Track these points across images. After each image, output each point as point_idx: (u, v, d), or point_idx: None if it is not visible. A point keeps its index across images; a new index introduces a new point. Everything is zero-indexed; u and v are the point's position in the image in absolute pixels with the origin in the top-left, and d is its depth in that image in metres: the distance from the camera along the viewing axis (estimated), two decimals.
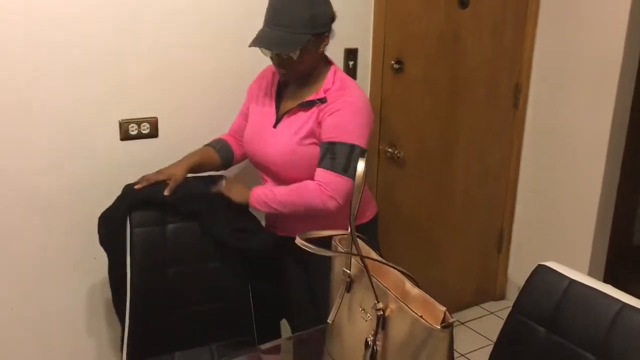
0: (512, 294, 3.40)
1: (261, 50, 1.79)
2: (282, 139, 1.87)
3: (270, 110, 1.94)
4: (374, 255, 1.34)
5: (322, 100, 1.82)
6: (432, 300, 1.19)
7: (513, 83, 3.08)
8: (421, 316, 1.15)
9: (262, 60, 1.94)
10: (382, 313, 1.22)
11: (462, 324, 3.18)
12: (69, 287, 2.15)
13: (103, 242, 1.92)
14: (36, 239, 2.05)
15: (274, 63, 1.84)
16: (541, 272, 1.45)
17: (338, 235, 1.39)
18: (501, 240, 3.33)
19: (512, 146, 3.17)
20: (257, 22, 1.81)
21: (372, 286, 1.25)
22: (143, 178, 1.92)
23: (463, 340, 2.99)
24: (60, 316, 2.16)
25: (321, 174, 1.77)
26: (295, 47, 1.73)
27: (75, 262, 2.14)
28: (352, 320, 1.37)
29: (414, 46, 2.68)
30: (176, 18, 2.12)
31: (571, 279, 1.39)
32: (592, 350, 1.30)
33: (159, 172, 1.94)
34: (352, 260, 1.37)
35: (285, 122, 1.88)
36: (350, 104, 1.79)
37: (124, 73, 2.07)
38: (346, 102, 1.79)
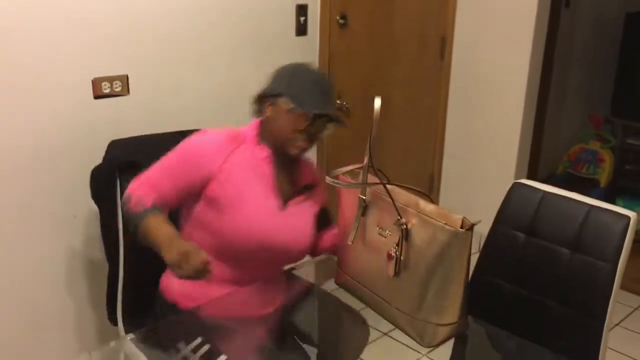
0: None
1: (303, 118, 1.66)
2: (308, 226, 1.78)
3: (270, 195, 1.72)
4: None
5: (314, 185, 1.84)
6: (447, 212, 1.40)
7: (440, 35, 3.35)
8: (445, 224, 1.36)
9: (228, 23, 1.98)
10: (405, 227, 1.42)
11: None
12: (49, 245, 2.17)
13: (94, 196, 1.96)
14: (15, 197, 2.05)
15: (305, 138, 1.68)
16: (517, 188, 1.71)
17: (356, 168, 1.57)
18: (432, 184, 3.64)
19: (439, 93, 3.46)
20: None
21: (395, 205, 1.45)
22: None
23: None
24: (40, 272, 2.18)
25: None
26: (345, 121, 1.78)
27: (55, 220, 2.16)
28: (368, 241, 1.56)
29: (356, 2, 2.86)
30: None
31: (544, 191, 1.65)
32: (566, 246, 1.58)
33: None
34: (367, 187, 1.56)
35: (295, 207, 1.76)
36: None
37: (95, 30, 2.08)
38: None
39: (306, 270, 2.04)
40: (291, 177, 1.78)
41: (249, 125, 1.76)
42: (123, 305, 1.99)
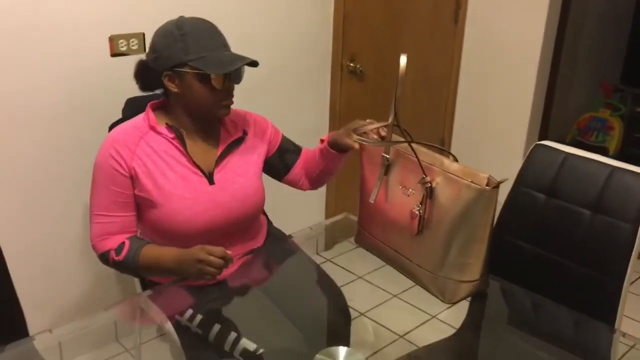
0: None
1: (221, 79, 1.56)
2: (248, 186, 1.72)
3: (191, 174, 1.65)
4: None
5: (245, 134, 1.76)
6: (472, 170, 1.41)
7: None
8: (471, 181, 1.37)
9: None
10: (429, 185, 1.43)
11: None
12: (68, 202, 2.19)
13: None
14: (35, 156, 2.06)
15: (227, 94, 1.62)
16: (539, 149, 1.71)
17: (381, 125, 1.57)
18: (442, 147, 3.64)
19: (452, 58, 3.44)
20: None
21: (420, 164, 1.45)
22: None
23: None
24: (58, 232, 2.21)
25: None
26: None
27: (74, 178, 2.17)
28: (391, 199, 1.57)
29: None
30: None
31: (567, 152, 1.66)
32: (587, 207, 1.59)
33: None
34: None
35: (221, 175, 1.68)
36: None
37: None
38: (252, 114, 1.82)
39: (315, 231, 2.05)
40: (215, 140, 1.70)
41: (144, 112, 1.67)
42: None
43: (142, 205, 1.64)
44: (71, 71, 2.06)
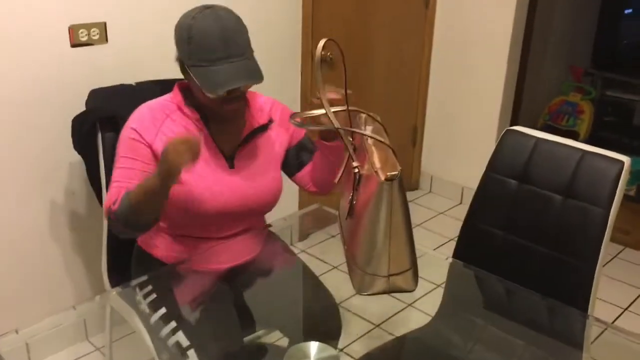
0: (425, 184, 3.75)
1: (214, 93, 1.52)
2: (270, 179, 1.72)
3: (211, 157, 1.65)
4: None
5: (270, 122, 1.74)
6: (396, 163, 1.36)
7: None
8: (376, 171, 1.33)
9: None
10: (357, 171, 1.39)
11: None
12: (33, 198, 2.12)
13: (76, 146, 1.91)
14: None
15: (229, 101, 1.58)
16: (509, 135, 1.69)
17: (337, 111, 1.52)
18: (415, 134, 3.62)
19: (423, 44, 3.41)
20: None
21: (348, 149, 1.42)
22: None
23: None
24: (26, 229, 2.14)
25: None
26: (261, 72, 1.57)
27: (37, 173, 2.10)
28: (347, 184, 1.54)
29: None
30: None
31: (537, 137, 1.64)
32: (559, 192, 1.58)
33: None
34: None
35: (242, 161, 1.68)
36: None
37: None
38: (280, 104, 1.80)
39: (289, 222, 2.02)
40: (238, 125, 1.69)
41: (171, 92, 1.67)
42: (108, 259, 1.96)
43: None
44: (29, 62, 1.98)
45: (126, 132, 1.61)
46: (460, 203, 3.58)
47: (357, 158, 1.48)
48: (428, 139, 3.66)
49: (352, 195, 1.43)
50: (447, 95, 3.47)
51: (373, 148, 1.50)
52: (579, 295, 1.54)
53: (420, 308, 2.39)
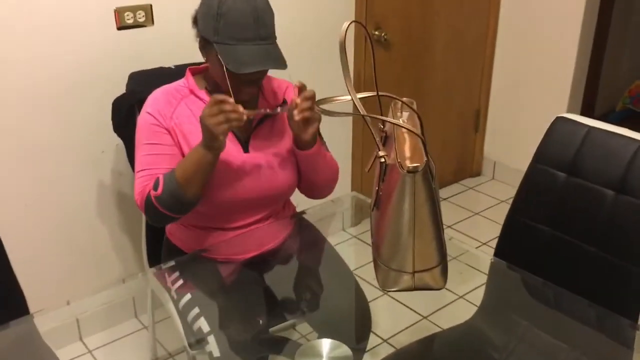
0: (488, 171, 3.59)
1: (232, 73, 1.47)
2: (286, 160, 1.68)
3: (229, 140, 1.59)
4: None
5: (284, 103, 1.70)
6: (419, 150, 1.26)
7: None
8: (399, 161, 1.23)
9: None
10: (383, 161, 1.30)
11: (445, 199, 3.36)
12: (79, 180, 2.17)
13: (116, 128, 1.93)
14: (42, 133, 2.03)
15: (249, 84, 1.55)
16: (559, 123, 1.56)
17: (366, 96, 1.45)
18: (478, 119, 3.46)
19: (488, 25, 3.24)
20: None
21: (373, 137, 1.34)
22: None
23: (447, 214, 3.17)
24: (75, 210, 2.19)
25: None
26: (285, 59, 1.52)
27: (83, 155, 2.14)
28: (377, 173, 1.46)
29: None
30: None
31: (590, 126, 1.50)
32: (611, 187, 1.44)
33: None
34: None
35: (256, 143, 1.65)
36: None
37: None
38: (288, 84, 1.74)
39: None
40: (250, 109, 1.58)
41: (185, 77, 1.65)
42: (147, 242, 1.98)
43: None
44: (76, 46, 2.01)
45: (144, 118, 1.60)
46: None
47: (386, 147, 1.40)
48: (492, 124, 3.49)
49: (378, 186, 1.36)
50: (513, 78, 3.28)
51: (406, 136, 1.41)
52: (630, 301, 1.41)
53: (460, 305, 2.28)
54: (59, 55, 1.98)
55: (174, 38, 2.18)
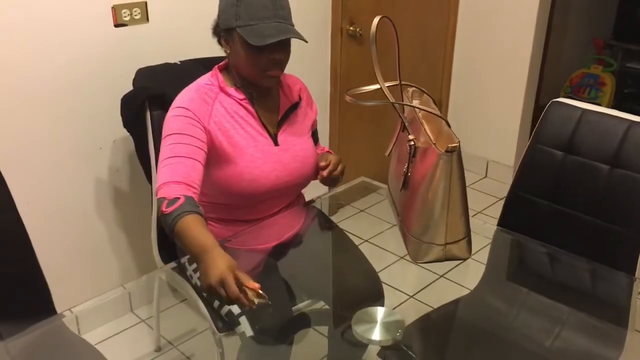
0: None
1: (256, 54, 1.57)
2: (306, 151, 1.77)
3: (260, 135, 1.70)
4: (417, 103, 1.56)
5: (300, 99, 1.82)
6: (452, 135, 1.41)
7: None
8: (435, 143, 1.37)
9: None
10: (413, 144, 1.44)
11: None
12: (77, 177, 2.17)
13: (126, 124, 1.96)
14: (40, 130, 2.03)
15: (273, 65, 1.62)
16: (555, 107, 1.73)
17: (389, 85, 1.57)
18: (440, 108, 3.64)
19: (448, 18, 3.42)
20: None
21: (402, 120, 1.47)
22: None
23: None
24: (72, 207, 2.19)
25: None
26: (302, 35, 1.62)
27: (81, 152, 2.15)
28: (399, 155, 1.59)
29: None
30: None
31: (583, 109, 1.68)
32: (606, 162, 1.62)
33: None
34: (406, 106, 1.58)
35: (283, 137, 1.74)
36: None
37: None
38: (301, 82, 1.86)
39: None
40: (276, 103, 1.75)
41: (211, 74, 1.71)
42: (157, 236, 2.01)
43: (212, 162, 1.64)
44: (74, 43, 2.01)
45: (178, 111, 1.61)
46: (485, 177, 3.61)
47: (412, 131, 1.52)
48: (452, 113, 3.68)
49: (407, 167, 1.48)
50: (472, 70, 3.49)
51: (423, 121, 1.54)
52: (625, 263, 1.59)
53: (453, 279, 2.44)
54: (56, 52, 1.98)
55: (169, 34, 2.22)
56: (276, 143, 1.71)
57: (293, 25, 1.63)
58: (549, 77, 4.02)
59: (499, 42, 3.32)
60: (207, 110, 1.63)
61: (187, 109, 1.61)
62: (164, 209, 1.48)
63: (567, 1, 4.13)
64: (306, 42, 1.62)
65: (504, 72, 3.35)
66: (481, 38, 3.38)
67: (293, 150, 1.74)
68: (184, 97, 1.65)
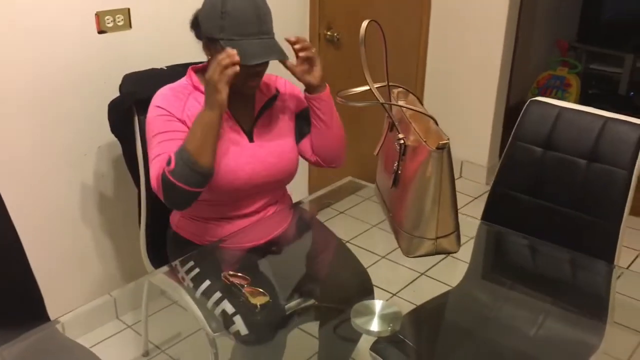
0: None
1: (249, 63, 1.58)
2: (286, 148, 1.82)
3: (233, 133, 1.74)
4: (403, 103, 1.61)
5: (277, 94, 1.84)
6: (437, 132, 1.47)
7: None
8: (425, 141, 1.43)
9: None
10: (402, 142, 1.50)
11: None
12: (62, 184, 2.17)
13: (113, 129, 1.97)
14: (25, 137, 2.03)
15: (253, 76, 1.67)
16: (533, 105, 1.80)
17: (378, 86, 1.62)
18: None
19: (421, 23, 3.51)
20: None
21: (393, 122, 1.52)
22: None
23: None
24: (59, 214, 2.19)
25: None
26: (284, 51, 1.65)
27: (66, 158, 2.15)
28: (387, 154, 1.64)
29: None
30: None
31: (561, 107, 1.75)
32: (583, 157, 1.70)
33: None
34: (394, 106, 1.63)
35: (259, 133, 1.78)
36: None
37: None
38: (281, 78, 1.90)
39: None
40: (251, 101, 1.78)
41: (186, 76, 1.76)
42: (147, 238, 2.03)
43: None
44: (58, 50, 2.01)
45: (154, 112, 1.68)
46: (460, 177, 3.70)
47: (401, 130, 1.57)
48: None
49: (398, 165, 1.53)
50: (445, 74, 3.58)
51: (411, 120, 1.60)
52: (605, 252, 1.66)
53: (434, 277, 2.50)
54: (40, 59, 1.98)
55: (152, 41, 2.24)
56: (251, 140, 1.75)
57: (274, 37, 1.66)
58: (517, 79, 4.14)
59: (471, 46, 3.42)
60: (180, 105, 1.69)
61: (161, 107, 1.67)
62: (168, 170, 1.57)
63: (533, 3, 4.26)
64: (287, 59, 1.65)
65: (476, 75, 3.45)
66: (453, 42, 3.48)
67: (269, 146, 1.77)
68: (158, 97, 1.71)
